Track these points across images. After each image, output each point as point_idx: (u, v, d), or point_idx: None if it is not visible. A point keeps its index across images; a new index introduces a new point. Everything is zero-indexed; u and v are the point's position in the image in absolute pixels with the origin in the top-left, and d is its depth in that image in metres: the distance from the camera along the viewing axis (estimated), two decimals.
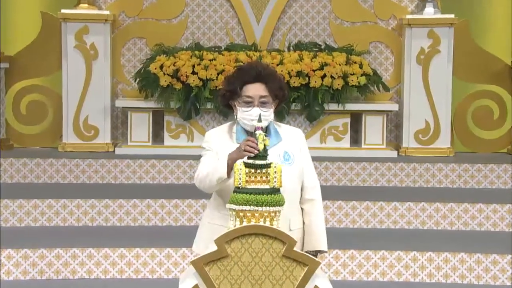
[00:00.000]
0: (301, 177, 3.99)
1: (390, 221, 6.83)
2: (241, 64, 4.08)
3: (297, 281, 3.57)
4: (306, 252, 3.92)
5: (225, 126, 4.06)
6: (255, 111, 3.89)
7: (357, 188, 7.41)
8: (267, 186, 3.61)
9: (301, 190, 4.02)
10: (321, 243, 4.02)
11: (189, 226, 6.71)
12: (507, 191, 7.31)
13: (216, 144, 3.98)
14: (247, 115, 3.91)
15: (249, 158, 3.64)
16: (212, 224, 3.95)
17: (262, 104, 3.91)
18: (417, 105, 8.03)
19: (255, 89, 3.91)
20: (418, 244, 6.33)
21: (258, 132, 3.65)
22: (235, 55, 7.86)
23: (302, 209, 4.04)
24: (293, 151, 3.97)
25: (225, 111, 7.62)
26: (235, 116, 3.98)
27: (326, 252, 4.06)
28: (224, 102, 4.02)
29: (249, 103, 3.91)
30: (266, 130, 3.92)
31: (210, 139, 4.02)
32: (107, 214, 6.79)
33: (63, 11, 7.96)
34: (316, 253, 4.02)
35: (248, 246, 3.53)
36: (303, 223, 4.03)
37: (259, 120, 3.73)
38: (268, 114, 3.91)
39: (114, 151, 7.93)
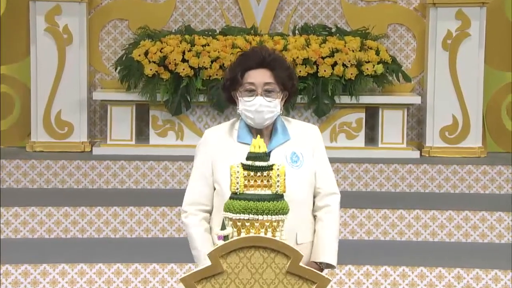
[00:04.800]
0: (312, 183, 3.94)
1: (411, 232, 6.84)
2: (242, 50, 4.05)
3: None
4: (312, 263, 3.90)
5: (227, 124, 4.03)
6: (258, 100, 3.85)
7: (373, 194, 7.42)
8: (268, 192, 3.61)
9: (314, 197, 3.98)
10: (326, 254, 3.92)
11: (178, 238, 6.72)
12: None
13: (214, 149, 3.94)
14: (249, 106, 3.86)
15: (248, 158, 3.63)
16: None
17: (267, 92, 3.86)
18: (443, 98, 8.04)
19: (259, 75, 3.87)
20: (444, 259, 6.34)
21: (219, 242, 3.55)
22: (232, 40, 7.87)
23: (314, 218, 3.99)
24: (303, 152, 3.91)
25: (221, 106, 7.64)
26: (238, 110, 3.94)
27: (334, 267, 4.00)
28: (226, 94, 3.99)
29: (251, 91, 3.87)
30: (273, 127, 3.91)
31: (208, 141, 3.98)
32: (83, 224, 6.80)
33: None
34: (322, 266, 3.94)
35: (246, 261, 3.53)
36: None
37: (223, 228, 3.60)
38: (273, 105, 3.87)
39: (91, 151, 7.94)
